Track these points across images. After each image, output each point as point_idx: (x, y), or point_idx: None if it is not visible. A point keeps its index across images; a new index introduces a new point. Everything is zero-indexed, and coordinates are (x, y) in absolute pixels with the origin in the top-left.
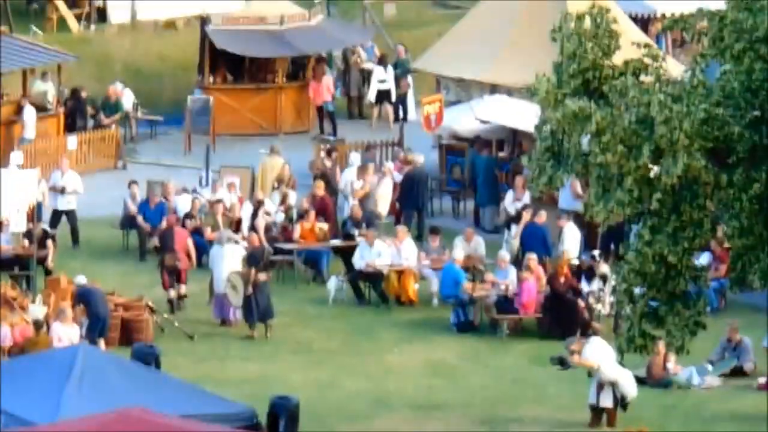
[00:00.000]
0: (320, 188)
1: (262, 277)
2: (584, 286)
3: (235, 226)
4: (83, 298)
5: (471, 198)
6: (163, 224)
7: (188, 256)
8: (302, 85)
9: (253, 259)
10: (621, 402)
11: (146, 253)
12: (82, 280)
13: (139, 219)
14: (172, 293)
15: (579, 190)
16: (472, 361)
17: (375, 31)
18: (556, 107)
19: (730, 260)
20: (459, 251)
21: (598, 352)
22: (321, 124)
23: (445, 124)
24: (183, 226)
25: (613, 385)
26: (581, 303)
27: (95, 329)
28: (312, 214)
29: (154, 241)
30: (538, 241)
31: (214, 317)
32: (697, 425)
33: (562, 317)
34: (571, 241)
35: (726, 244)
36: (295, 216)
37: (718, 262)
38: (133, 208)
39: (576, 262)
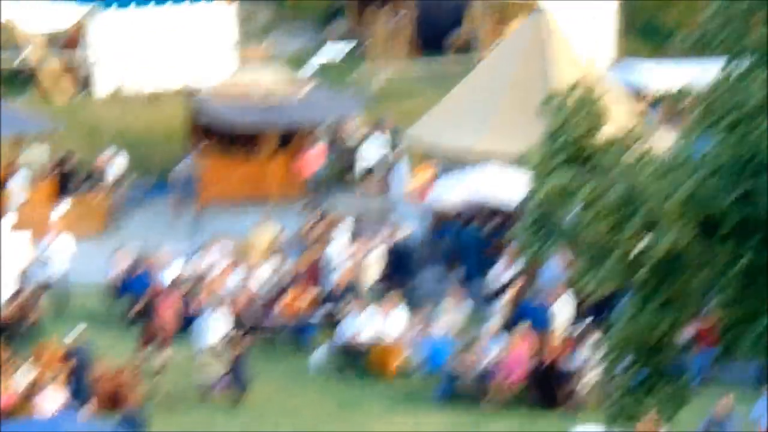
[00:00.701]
0: (308, 258)
1: (246, 343)
2: (572, 357)
3: (223, 294)
4: (72, 358)
5: (459, 269)
6: (148, 292)
7: (172, 324)
8: (292, 155)
9: (237, 324)
10: None
11: (134, 319)
12: (74, 337)
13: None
14: (147, 354)
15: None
16: None
17: (364, 101)
18: (548, 178)
19: (718, 332)
20: (443, 320)
21: None
22: (310, 193)
23: (434, 195)
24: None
25: None
26: (566, 375)
27: (79, 393)
28: (299, 283)
29: (138, 308)
30: (538, 319)
31: (201, 385)
32: None
33: (547, 390)
34: (562, 314)
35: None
36: (284, 285)
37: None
38: (117, 276)
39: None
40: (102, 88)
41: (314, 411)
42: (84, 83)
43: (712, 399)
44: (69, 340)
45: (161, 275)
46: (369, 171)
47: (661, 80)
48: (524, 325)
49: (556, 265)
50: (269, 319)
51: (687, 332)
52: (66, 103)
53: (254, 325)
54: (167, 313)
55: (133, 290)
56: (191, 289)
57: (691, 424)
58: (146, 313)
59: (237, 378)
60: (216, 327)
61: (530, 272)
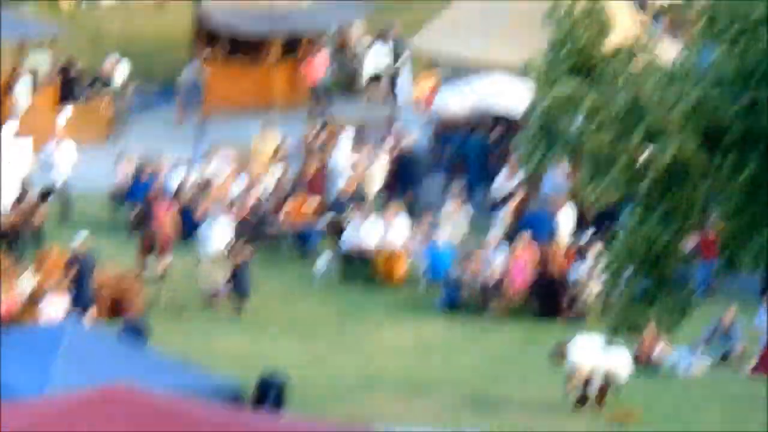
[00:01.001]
0: (312, 165)
1: (245, 252)
2: (575, 267)
3: (227, 201)
4: (75, 264)
5: (463, 178)
6: (146, 198)
7: (169, 230)
8: (296, 62)
9: (238, 233)
10: (614, 384)
11: (135, 226)
12: (77, 243)
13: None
14: (148, 261)
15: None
16: (460, 341)
17: (370, 8)
18: (550, 87)
19: (720, 243)
20: (445, 229)
21: (585, 351)
22: (314, 101)
23: (438, 103)
24: (174, 200)
25: (607, 373)
26: (568, 285)
27: (81, 300)
28: (303, 190)
29: (136, 214)
30: (543, 229)
31: (203, 294)
32: (686, 408)
33: (549, 300)
34: (566, 224)
35: (712, 229)
36: (287, 192)
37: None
38: (121, 182)
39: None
40: None
41: (316, 318)
42: None
43: (714, 311)
44: (72, 247)
45: (164, 182)
46: (373, 79)
47: None
48: (526, 235)
49: (559, 174)
50: (273, 226)
51: (689, 243)
52: (70, 9)
53: (257, 232)
54: (165, 219)
55: (136, 197)
56: (195, 196)
57: (692, 336)
58: (145, 220)
59: (239, 286)
60: (219, 235)
61: (533, 181)
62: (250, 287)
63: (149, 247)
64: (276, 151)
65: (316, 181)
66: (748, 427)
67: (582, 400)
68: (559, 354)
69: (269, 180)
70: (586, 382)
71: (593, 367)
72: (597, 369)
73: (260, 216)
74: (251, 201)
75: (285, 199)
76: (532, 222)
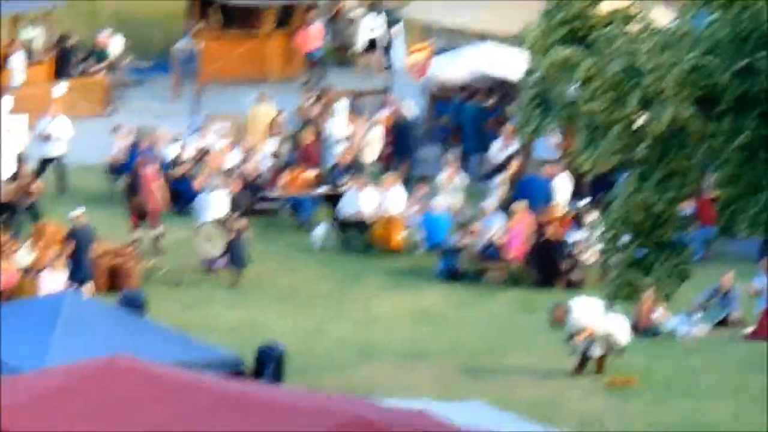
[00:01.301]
0: (307, 136)
1: (241, 223)
2: (571, 235)
3: (223, 172)
4: (73, 237)
5: (458, 146)
6: (134, 168)
7: (157, 199)
8: (291, 33)
9: (233, 204)
10: (614, 349)
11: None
12: (75, 216)
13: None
14: (138, 233)
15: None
16: (458, 309)
17: None
18: (545, 55)
19: (717, 209)
20: (442, 197)
21: (586, 312)
22: (309, 71)
23: (432, 73)
24: (167, 171)
25: (607, 337)
26: (566, 252)
27: (79, 273)
28: (299, 160)
29: (125, 185)
30: (539, 194)
31: (201, 264)
32: (685, 374)
33: (546, 266)
34: (563, 191)
35: (709, 195)
36: (283, 163)
37: (701, 211)
38: (117, 155)
39: (565, 211)
40: None
41: (314, 288)
42: None
43: (713, 276)
44: (69, 220)
45: (157, 153)
46: (368, 49)
47: None
48: (523, 202)
49: (551, 140)
50: (270, 197)
51: (686, 209)
52: None
53: (253, 203)
54: (152, 189)
55: (132, 170)
56: (191, 167)
57: (691, 302)
58: (133, 190)
59: (235, 256)
60: (215, 205)
61: (529, 148)
62: (247, 258)
63: (138, 217)
64: (271, 122)
65: (311, 152)
66: (747, 391)
67: (583, 362)
68: (558, 315)
69: (265, 151)
70: (588, 344)
71: (595, 328)
72: (598, 330)
73: (257, 186)
74: (248, 172)
75: (281, 169)
76: (527, 189)
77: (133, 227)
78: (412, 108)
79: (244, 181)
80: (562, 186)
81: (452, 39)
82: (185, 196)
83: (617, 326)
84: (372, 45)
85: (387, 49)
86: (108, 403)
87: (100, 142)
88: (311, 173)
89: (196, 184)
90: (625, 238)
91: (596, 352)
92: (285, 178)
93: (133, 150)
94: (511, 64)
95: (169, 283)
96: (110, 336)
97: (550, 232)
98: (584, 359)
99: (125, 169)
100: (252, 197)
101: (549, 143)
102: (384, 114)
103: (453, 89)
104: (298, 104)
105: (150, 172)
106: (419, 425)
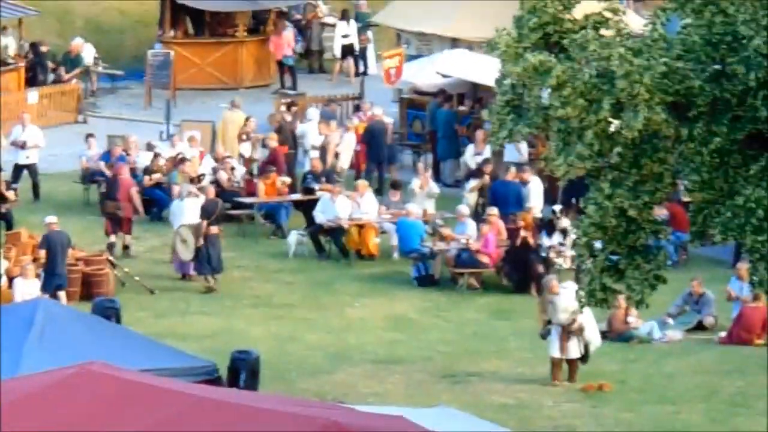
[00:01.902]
0: (273, 140)
1: (214, 230)
2: (545, 240)
3: (196, 180)
4: (47, 244)
5: (431, 152)
6: (108, 176)
7: (133, 205)
8: (263, 39)
9: (205, 211)
10: (584, 352)
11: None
12: (48, 223)
13: (101, 165)
14: (113, 239)
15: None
16: (432, 315)
17: None
18: (517, 61)
19: (690, 214)
20: (415, 203)
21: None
22: (281, 78)
23: (405, 78)
24: (143, 178)
25: (580, 333)
26: (540, 258)
27: (53, 281)
28: (272, 167)
29: (100, 192)
30: (510, 198)
31: (175, 272)
32: (658, 379)
33: (521, 272)
34: (536, 195)
35: (684, 199)
36: (256, 170)
37: (673, 217)
38: (89, 162)
39: (539, 216)
40: None
41: (288, 295)
42: None
43: (686, 282)
44: (42, 228)
45: (135, 161)
46: (340, 55)
47: None
48: (495, 208)
49: (521, 144)
50: (243, 203)
51: (660, 214)
52: None
53: (223, 208)
54: (125, 194)
55: (105, 177)
56: (164, 174)
57: (664, 306)
58: (106, 195)
59: (209, 263)
60: (188, 213)
61: (501, 154)
62: (222, 264)
63: (113, 223)
64: (244, 129)
65: (285, 158)
66: (721, 395)
67: (556, 372)
68: (552, 287)
69: (238, 157)
70: (565, 341)
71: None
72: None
73: (230, 193)
74: (221, 178)
75: (254, 176)
76: (500, 194)
77: (108, 233)
78: (384, 114)
79: (218, 187)
80: (536, 190)
81: (425, 45)
82: (159, 204)
83: (591, 325)
84: (345, 51)
85: (360, 55)
86: (82, 410)
87: (73, 149)
88: (284, 180)
89: (169, 190)
90: (599, 244)
91: (573, 353)
92: (258, 184)
93: (106, 158)
94: (483, 69)
95: (144, 291)
96: (84, 344)
97: (524, 237)
98: (558, 363)
99: (98, 177)
100: (225, 204)
101: (519, 147)
102: (356, 120)
103: (426, 95)
104: (271, 111)
105: (126, 178)
106: (398, 431)
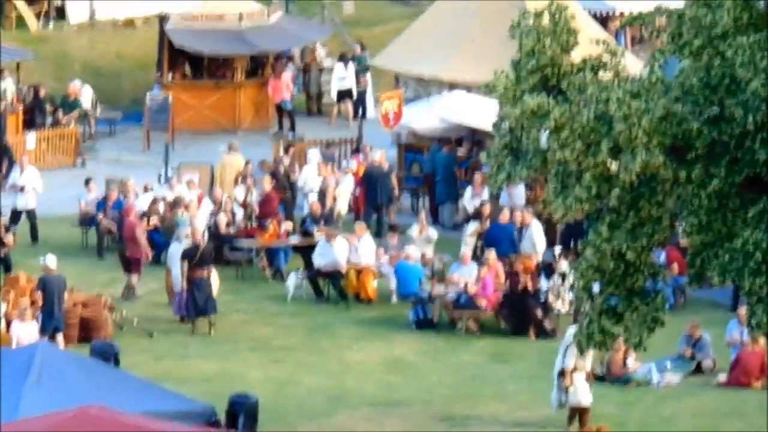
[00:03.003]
0: (267, 183)
1: (200, 273)
2: (543, 283)
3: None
4: (44, 286)
5: (430, 195)
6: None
7: (139, 246)
8: (261, 83)
9: (186, 254)
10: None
11: (104, 250)
12: (50, 261)
13: (99, 216)
14: (131, 279)
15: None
16: (431, 359)
17: (333, 28)
18: (515, 104)
19: (688, 257)
20: (414, 247)
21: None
22: (280, 121)
23: (403, 122)
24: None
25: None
26: (538, 301)
27: (50, 324)
28: (270, 210)
29: (105, 234)
30: (505, 240)
31: (174, 314)
32: (657, 422)
33: (519, 315)
34: (539, 238)
35: (682, 243)
36: (254, 212)
37: (671, 260)
38: (88, 206)
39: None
40: (75, 16)
41: (287, 337)
42: (56, 12)
43: (684, 325)
44: (41, 271)
45: (132, 205)
46: (338, 98)
47: (629, 4)
48: (493, 251)
49: (517, 187)
50: (242, 247)
51: (658, 257)
52: (36, 33)
53: (209, 251)
54: (130, 235)
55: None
56: (162, 218)
57: (663, 349)
58: (118, 237)
59: (195, 306)
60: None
61: (499, 197)
62: (213, 306)
63: (123, 259)
64: (242, 172)
65: (283, 201)
66: None
67: (572, 418)
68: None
69: (235, 201)
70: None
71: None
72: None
73: (228, 236)
74: (218, 222)
75: (252, 219)
76: (499, 236)
77: (125, 272)
78: (383, 157)
79: (216, 231)
80: (537, 233)
81: (422, 88)
82: (157, 247)
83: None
84: (343, 94)
85: (359, 98)
86: None
87: (71, 193)
88: (282, 223)
89: (167, 234)
90: (597, 287)
91: (586, 398)
92: (256, 228)
93: (104, 201)
94: (481, 112)
95: (142, 334)
96: (82, 387)
97: (524, 280)
98: (573, 410)
99: (96, 221)
100: (222, 247)
101: (516, 190)
102: (355, 163)
103: (424, 138)
104: (269, 154)
105: (132, 220)
106: None
